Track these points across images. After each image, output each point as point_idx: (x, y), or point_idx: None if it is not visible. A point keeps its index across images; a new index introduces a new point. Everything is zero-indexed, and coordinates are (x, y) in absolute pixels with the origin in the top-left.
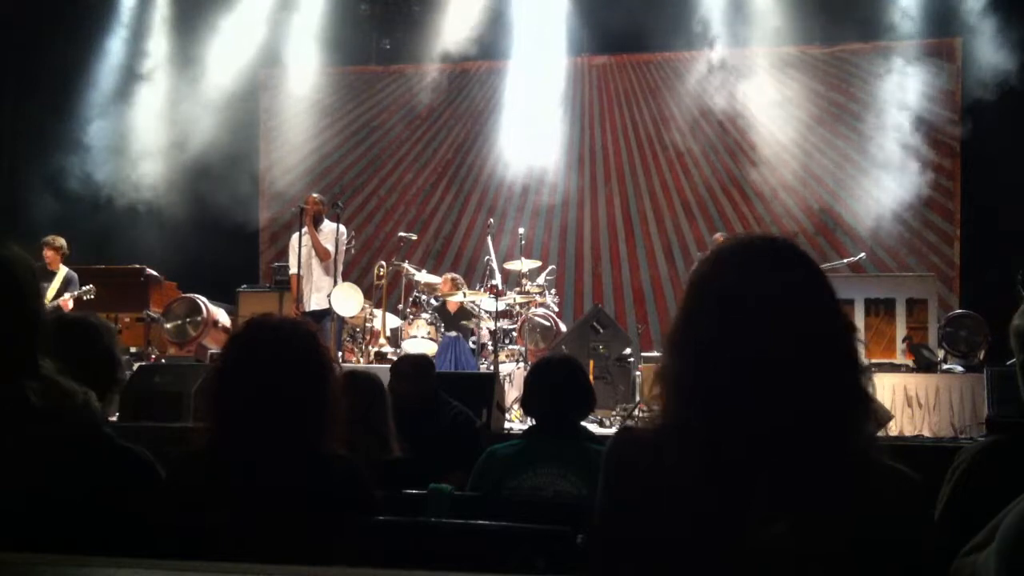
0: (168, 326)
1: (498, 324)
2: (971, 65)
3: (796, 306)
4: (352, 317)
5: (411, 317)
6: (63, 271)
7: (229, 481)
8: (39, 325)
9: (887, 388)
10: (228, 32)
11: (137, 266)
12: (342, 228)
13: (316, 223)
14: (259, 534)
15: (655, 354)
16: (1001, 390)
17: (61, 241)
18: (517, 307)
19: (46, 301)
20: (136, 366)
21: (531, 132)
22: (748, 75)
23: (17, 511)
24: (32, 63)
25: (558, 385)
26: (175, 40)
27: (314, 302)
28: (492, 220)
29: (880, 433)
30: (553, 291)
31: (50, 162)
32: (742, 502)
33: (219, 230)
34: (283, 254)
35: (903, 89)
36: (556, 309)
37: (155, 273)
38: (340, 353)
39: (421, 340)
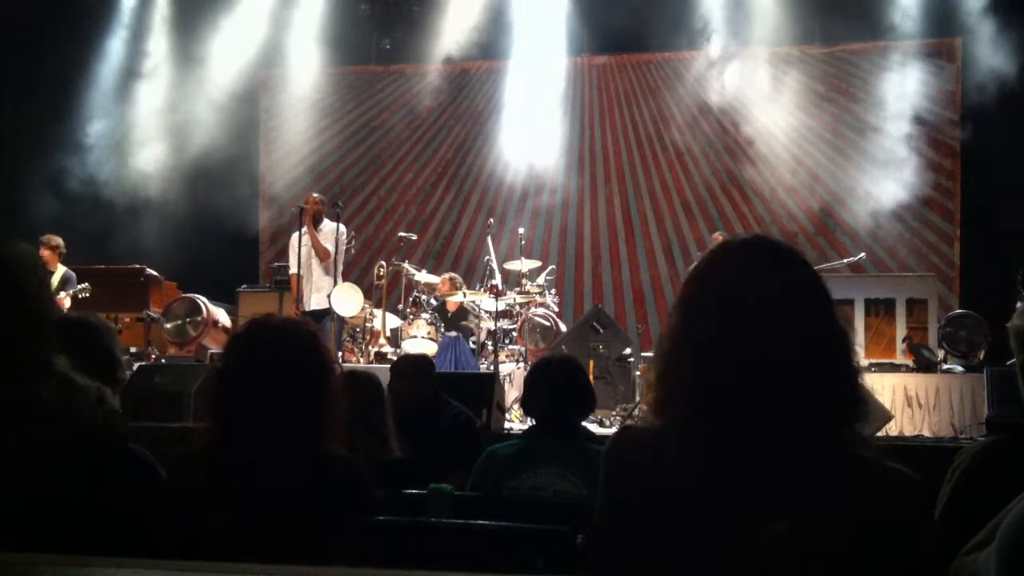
0: (168, 326)
1: (498, 324)
2: (971, 65)
3: (795, 306)
4: (352, 317)
5: (411, 317)
6: (61, 270)
7: (229, 481)
8: (46, 323)
9: (887, 388)
10: (228, 32)
11: (137, 266)
12: (342, 228)
13: (316, 223)
14: (259, 534)
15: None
16: (1001, 390)
17: (58, 240)
18: (517, 307)
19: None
20: (136, 366)
21: (531, 132)
22: (748, 75)
23: (17, 511)
24: (32, 63)
25: (558, 385)
26: (175, 40)
27: (314, 302)
28: (492, 220)
29: (880, 433)
30: (553, 291)
31: (50, 162)
32: (742, 502)
33: (219, 230)
34: (283, 254)
35: (903, 89)
36: (556, 309)
37: (155, 273)
38: (340, 353)
39: (421, 340)
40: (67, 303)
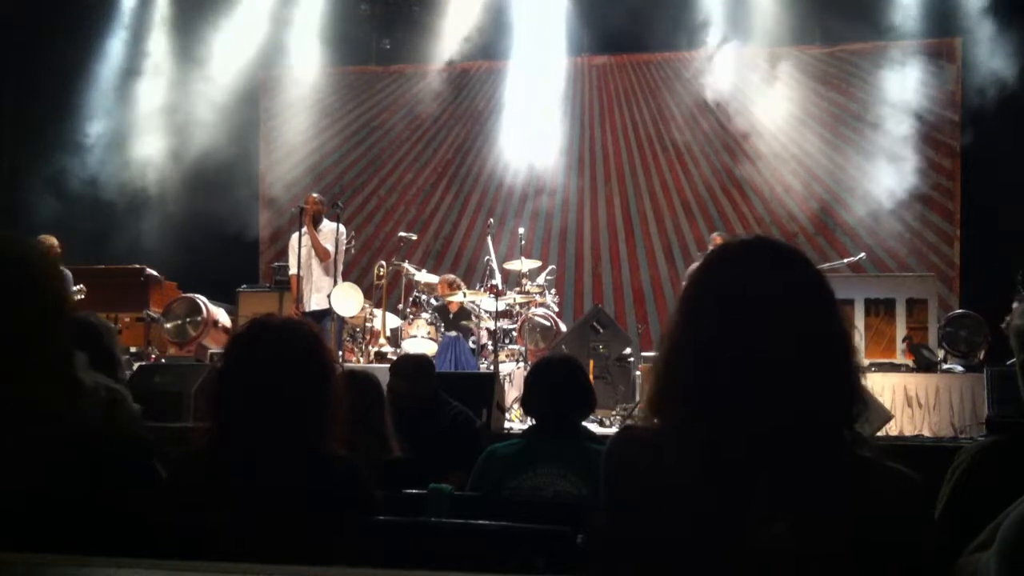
0: (168, 326)
1: (498, 324)
2: (971, 65)
3: (796, 306)
4: (352, 317)
5: (411, 317)
6: None
7: (229, 481)
8: (58, 323)
9: (887, 388)
10: (228, 32)
11: (137, 266)
12: (342, 228)
13: (316, 223)
14: (259, 534)
15: (655, 354)
16: (1001, 390)
17: (52, 240)
18: (517, 307)
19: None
20: (136, 366)
21: (531, 132)
22: (748, 75)
23: (17, 511)
24: (32, 63)
25: (558, 385)
26: (175, 40)
27: (314, 302)
28: (492, 220)
29: (880, 433)
30: (553, 291)
31: (50, 162)
32: (742, 502)
33: (219, 230)
34: (283, 254)
35: (903, 89)
36: (556, 309)
37: (155, 273)
38: (340, 353)
39: (421, 340)
40: None
